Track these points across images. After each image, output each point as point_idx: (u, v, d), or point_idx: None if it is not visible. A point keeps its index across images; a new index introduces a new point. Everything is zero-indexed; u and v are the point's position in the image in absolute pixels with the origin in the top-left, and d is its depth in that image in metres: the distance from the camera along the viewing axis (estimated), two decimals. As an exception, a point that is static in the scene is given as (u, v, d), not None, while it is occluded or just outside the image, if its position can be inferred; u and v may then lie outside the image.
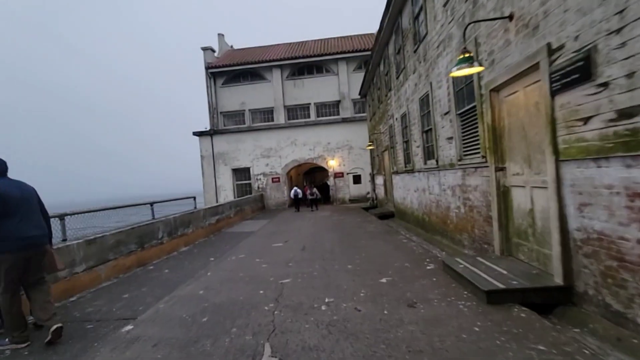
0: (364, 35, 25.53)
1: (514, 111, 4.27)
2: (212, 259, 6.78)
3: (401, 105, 10.00)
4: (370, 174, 18.94)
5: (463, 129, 5.70)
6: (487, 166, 4.85)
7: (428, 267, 5.00)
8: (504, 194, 4.54)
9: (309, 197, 18.49)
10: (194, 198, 9.74)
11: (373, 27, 24.24)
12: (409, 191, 10.02)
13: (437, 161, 7.05)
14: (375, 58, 12.87)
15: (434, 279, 4.40)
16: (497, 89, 4.51)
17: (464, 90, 5.48)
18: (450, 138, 6.20)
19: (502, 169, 4.53)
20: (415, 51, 8.02)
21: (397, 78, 10.17)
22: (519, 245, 4.29)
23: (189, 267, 6.18)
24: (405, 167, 10.02)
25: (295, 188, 18.60)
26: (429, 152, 7.72)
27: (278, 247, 7.68)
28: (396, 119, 10.83)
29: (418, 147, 8.48)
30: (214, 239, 9.67)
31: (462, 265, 4.29)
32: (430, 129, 7.36)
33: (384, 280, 4.53)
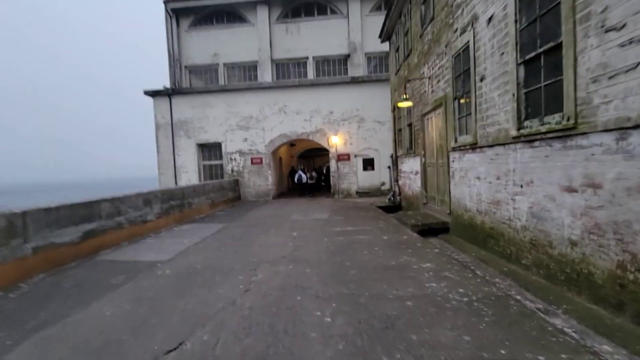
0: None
1: None
2: None
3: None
4: (391, 156, 12.90)
5: None
6: None
7: None
8: None
9: (309, 181, 16.23)
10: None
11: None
12: (528, 188, 4.04)
13: None
14: None
15: None
16: None
17: None
18: None
19: None
20: None
21: None
22: None
23: None
24: (521, 128, 4.01)
25: (299, 172, 16.20)
26: None
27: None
28: (492, 18, 4.73)
29: (646, 39, 2.43)
30: (12, 296, 3.74)
31: None
32: None
33: None
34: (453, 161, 6.43)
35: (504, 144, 4.49)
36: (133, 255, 5.33)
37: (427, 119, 8.15)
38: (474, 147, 5.42)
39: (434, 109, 7.53)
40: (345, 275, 4.10)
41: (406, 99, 7.63)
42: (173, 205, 8.44)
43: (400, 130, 11.37)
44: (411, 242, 5.77)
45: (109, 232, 5.81)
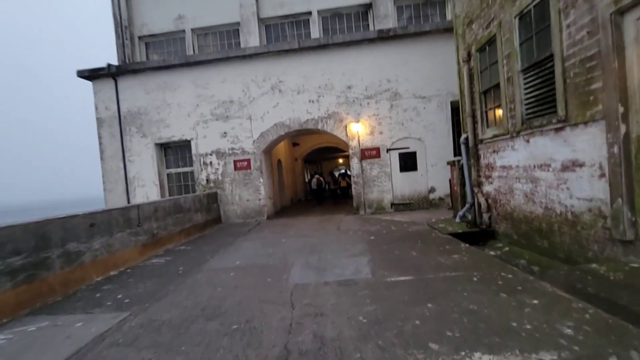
0: None
1: None
2: None
3: None
4: (464, 141, 7.38)
5: None
6: None
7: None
8: None
9: (331, 186, 15.23)
10: None
11: None
12: None
13: None
14: None
15: None
16: None
17: None
18: None
19: None
20: None
21: None
22: None
23: None
24: None
25: (317, 177, 14.42)
26: None
27: None
28: None
29: None
30: None
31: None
32: None
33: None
34: None
35: None
36: None
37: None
38: None
39: None
40: None
41: None
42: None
43: (485, 92, 6.15)
44: None
45: None
